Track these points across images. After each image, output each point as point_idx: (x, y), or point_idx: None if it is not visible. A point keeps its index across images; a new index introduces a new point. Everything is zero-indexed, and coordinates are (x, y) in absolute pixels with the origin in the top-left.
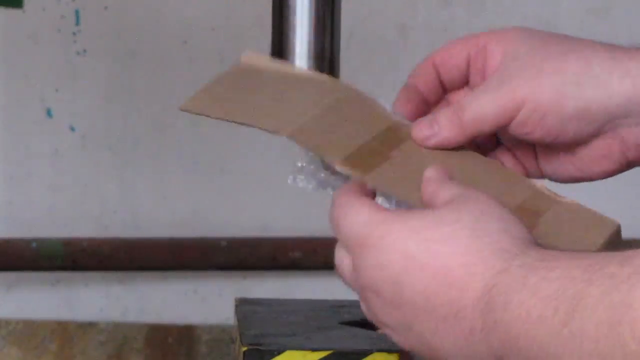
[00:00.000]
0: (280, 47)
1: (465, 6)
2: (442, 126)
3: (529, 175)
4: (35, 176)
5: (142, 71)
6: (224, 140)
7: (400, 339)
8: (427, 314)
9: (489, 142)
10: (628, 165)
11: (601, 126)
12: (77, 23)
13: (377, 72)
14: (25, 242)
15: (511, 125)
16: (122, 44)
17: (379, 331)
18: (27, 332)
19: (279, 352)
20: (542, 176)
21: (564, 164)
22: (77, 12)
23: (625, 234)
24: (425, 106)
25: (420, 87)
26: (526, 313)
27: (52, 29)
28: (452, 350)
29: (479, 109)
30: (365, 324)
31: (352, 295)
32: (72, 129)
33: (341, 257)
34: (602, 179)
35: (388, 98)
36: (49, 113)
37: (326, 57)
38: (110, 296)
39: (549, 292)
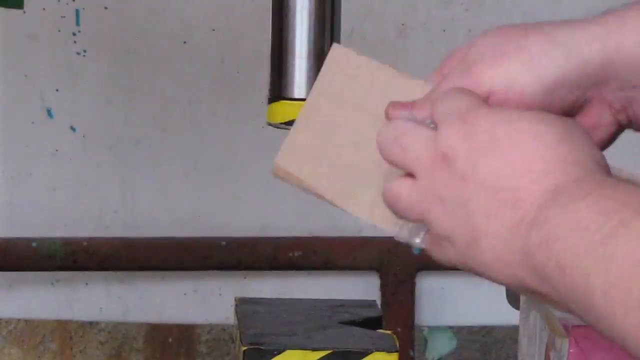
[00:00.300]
0: (280, 47)
1: (465, 6)
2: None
3: None
4: (35, 176)
5: (142, 71)
6: (224, 140)
7: (445, 220)
8: (490, 194)
9: None
10: (620, 128)
11: (584, 93)
12: (77, 23)
13: None
14: (25, 242)
15: (492, 102)
16: (122, 44)
17: (419, 213)
18: (27, 331)
19: (279, 352)
20: None
21: None
22: (77, 12)
23: None
24: None
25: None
26: (576, 220)
27: (52, 29)
28: (493, 239)
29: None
30: (365, 324)
31: (351, 295)
32: (73, 129)
33: (416, 133)
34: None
35: None
36: (49, 113)
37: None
38: (110, 296)
39: (604, 208)
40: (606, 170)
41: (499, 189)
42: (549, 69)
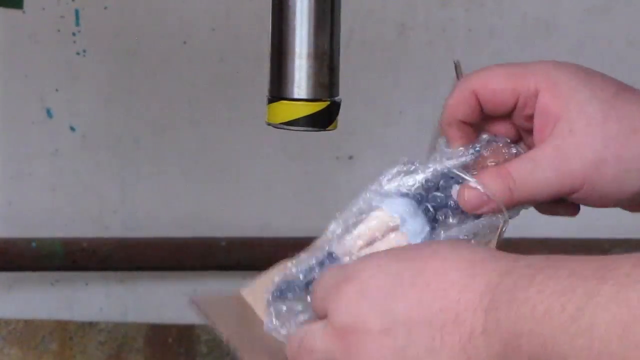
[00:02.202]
0: (280, 47)
1: (465, 6)
2: (493, 196)
3: None
4: (35, 176)
5: (142, 71)
6: (224, 140)
7: None
8: (424, 327)
9: None
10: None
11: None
12: (77, 23)
13: (377, 72)
14: (25, 242)
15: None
16: (122, 44)
17: None
18: (27, 332)
19: None
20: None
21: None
22: (77, 12)
23: (629, 234)
24: (469, 130)
25: (459, 116)
26: (532, 309)
27: (52, 29)
28: None
29: (533, 185)
30: None
31: None
32: (72, 129)
33: (304, 335)
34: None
35: (388, 97)
36: (49, 113)
37: (326, 57)
38: (110, 296)
39: (557, 289)
40: (521, 257)
41: (430, 318)
42: (635, 179)
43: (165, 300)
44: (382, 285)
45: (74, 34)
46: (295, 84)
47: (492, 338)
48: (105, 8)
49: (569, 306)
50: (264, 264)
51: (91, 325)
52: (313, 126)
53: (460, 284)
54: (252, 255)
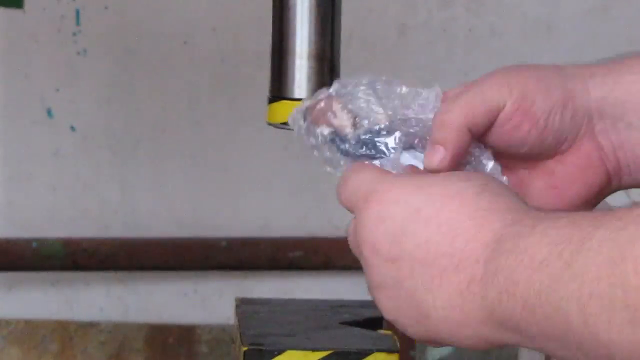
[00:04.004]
0: (280, 47)
1: (465, 6)
2: (442, 139)
3: None
4: (35, 176)
5: (142, 71)
6: (224, 140)
7: (389, 304)
8: (425, 267)
9: None
10: (609, 179)
11: (580, 124)
12: (77, 23)
13: (377, 72)
14: (26, 242)
15: (500, 118)
16: (122, 44)
17: (371, 294)
18: (27, 332)
19: (279, 352)
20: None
21: (542, 186)
22: (77, 12)
23: None
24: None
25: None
26: (530, 258)
27: (52, 29)
28: (443, 311)
29: (468, 100)
30: (366, 324)
31: (352, 295)
32: (73, 129)
33: (349, 225)
34: (581, 205)
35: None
36: (49, 113)
37: (326, 57)
38: (111, 296)
39: (555, 238)
40: (534, 208)
41: (433, 258)
42: (559, 89)
43: (165, 300)
44: (399, 216)
45: (74, 34)
46: (296, 84)
47: (489, 286)
48: (106, 8)
49: (564, 253)
50: (264, 264)
51: (91, 325)
52: None
53: (470, 233)
54: (252, 255)
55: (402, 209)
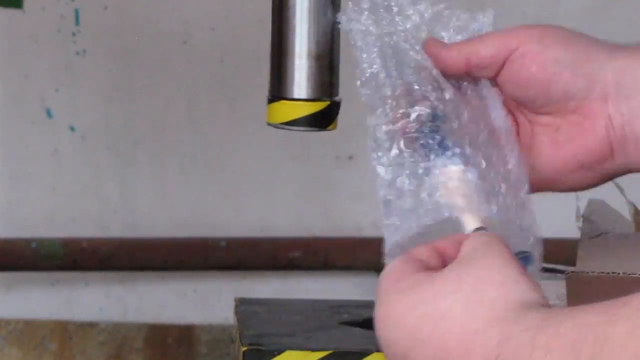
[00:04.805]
0: (280, 47)
1: (465, 6)
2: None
3: None
4: (35, 176)
5: (142, 71)
6: (224, 140)
7: None
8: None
9: None
10: (611, 152)
11: (592, 88)
12: (77, 23)
13: None
14: (25, 242)
15: (513, 55)
16: (122, 44)
17: None
18: (27, 332)
19: (279, 352)
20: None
21: (546, 141)
22: (77, 12)
23: None
24: None
25: (445, 71)
26: None
27: (52, 29)
28: None
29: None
30: (365, 324)
31: (351, 295)
32: (72, 129)
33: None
34: (577, 187)
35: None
36: (49, 113)
37: (326, 57)
38: (110, 296)
39: (564, 346)
40: (529, 302)
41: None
42: (581, 47)
43: (165, 300)
44: (401, 337)
45: (73, 34)
46: (296, 84)
47: None
48: (105, 8)
49: (582, 358)
50: (264, 264)
51: (91, 325)
52: (313, 126)
53: (459, 356)
54: (251, 255)
55: (403, 335)
